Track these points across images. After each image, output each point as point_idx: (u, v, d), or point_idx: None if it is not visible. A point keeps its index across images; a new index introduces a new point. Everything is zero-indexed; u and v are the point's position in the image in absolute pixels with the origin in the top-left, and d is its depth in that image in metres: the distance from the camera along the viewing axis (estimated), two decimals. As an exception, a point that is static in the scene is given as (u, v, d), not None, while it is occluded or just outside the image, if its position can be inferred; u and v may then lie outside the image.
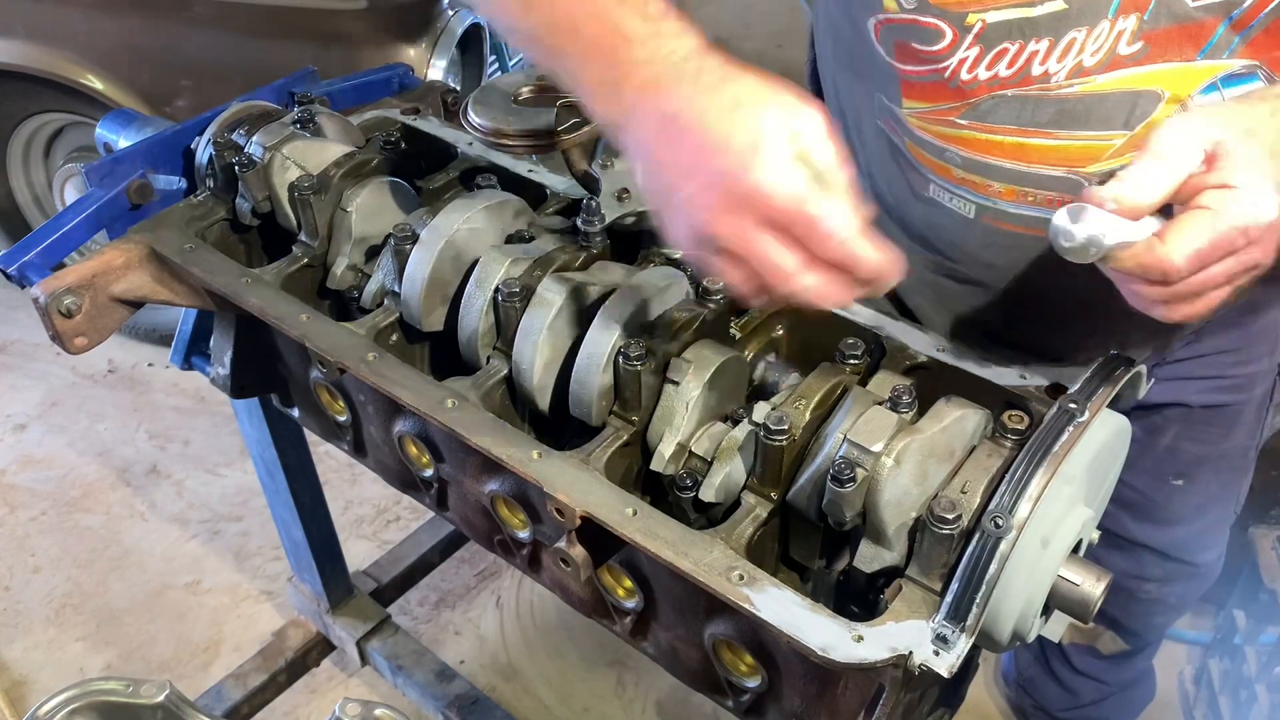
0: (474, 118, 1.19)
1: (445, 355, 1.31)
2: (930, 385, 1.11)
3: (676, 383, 1.11)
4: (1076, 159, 1.09)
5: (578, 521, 1.04)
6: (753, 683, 1.08)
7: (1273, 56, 1.04)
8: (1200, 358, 1.39)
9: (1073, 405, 0.99)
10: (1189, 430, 1.47)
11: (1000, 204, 1.15)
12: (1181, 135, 0.91)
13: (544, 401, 1.19)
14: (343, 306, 1.41)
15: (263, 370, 1.52)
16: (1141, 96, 1.05)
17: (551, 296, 1.15)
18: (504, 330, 1.20)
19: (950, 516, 0.93)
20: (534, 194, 1.40)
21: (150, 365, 3.18)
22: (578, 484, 1.05)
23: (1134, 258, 0.90)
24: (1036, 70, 1.06)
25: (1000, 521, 0.91)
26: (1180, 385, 1.40)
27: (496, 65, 2.81)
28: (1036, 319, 1.27)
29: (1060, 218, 0.91)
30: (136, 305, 1.40)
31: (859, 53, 1.19)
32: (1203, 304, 0.94)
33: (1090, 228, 0.90)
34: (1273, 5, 1.00)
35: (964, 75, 1.09)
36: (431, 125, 1.53)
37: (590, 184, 1.26)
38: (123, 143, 1.56)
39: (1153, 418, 1.44)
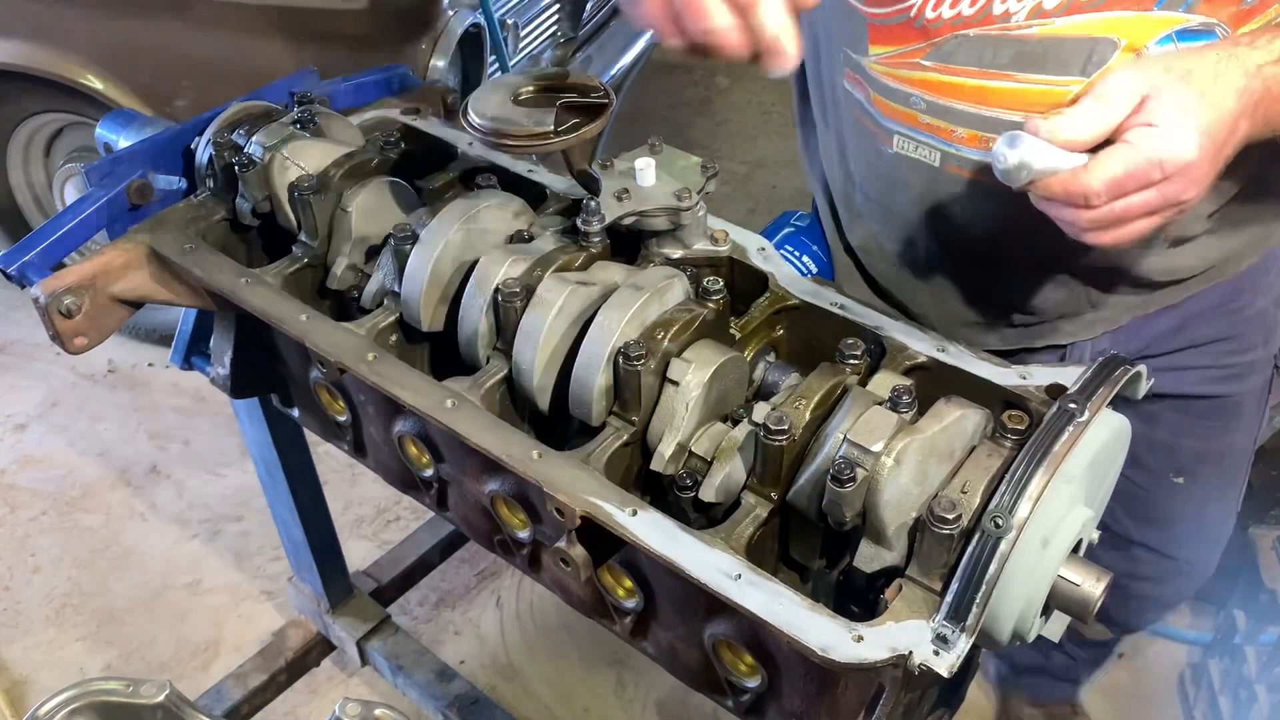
0: (474, 118, 1.19)
1: (445, 355, 1.31)
2: (930, 385, 1.11)
3: (676, 383, 1.11)
4: (1034, 104, 1.13)
5: (578, 521, 1.04)
6: (753, 683, 1.08)
7: (1230, 13, 1.08)
8: (1195, 347, 1.41)
9: (1073, 405, 0.99)
10: (1188, 424, 1.48)
11: (963, 150, 1.21)
12: (1125, 81, 0.99)
13: (544, 401, 1.19)
14: (343, 306, 1.41)
15: (263, 370, 1.52)
16: (1099, 43, 1.10)
17: (551, 296, 1.15)
18: (504, 330, 1.20)
19: (950, 516, 0.93)
20: (534, 194, 1.40)
21: (150, 365, 3.18)
22: (578, 484, 1.05)
23: (1060, 183, 1.00)
24: (998, 9, 1.12)
25: (1000, 521, 0.91)
26: (1177, 375, 1.41)
27: (496, 65, 2.81)
28: (1005, 272, 1.32)
29: (1000, 142, 1.01)
30: (136, 305, 1.40)
31: (827, 7, 1.22)
32: (1126, 231, 1.03)
33: (1024, 153, 0.99)
34: None
35: (929, 14, 1.15)
36: (431, 125, 1.53)
37: (590, 184, 1.26)
38: (123, 143, 1.56)
39: (1150, 407, 1.45)
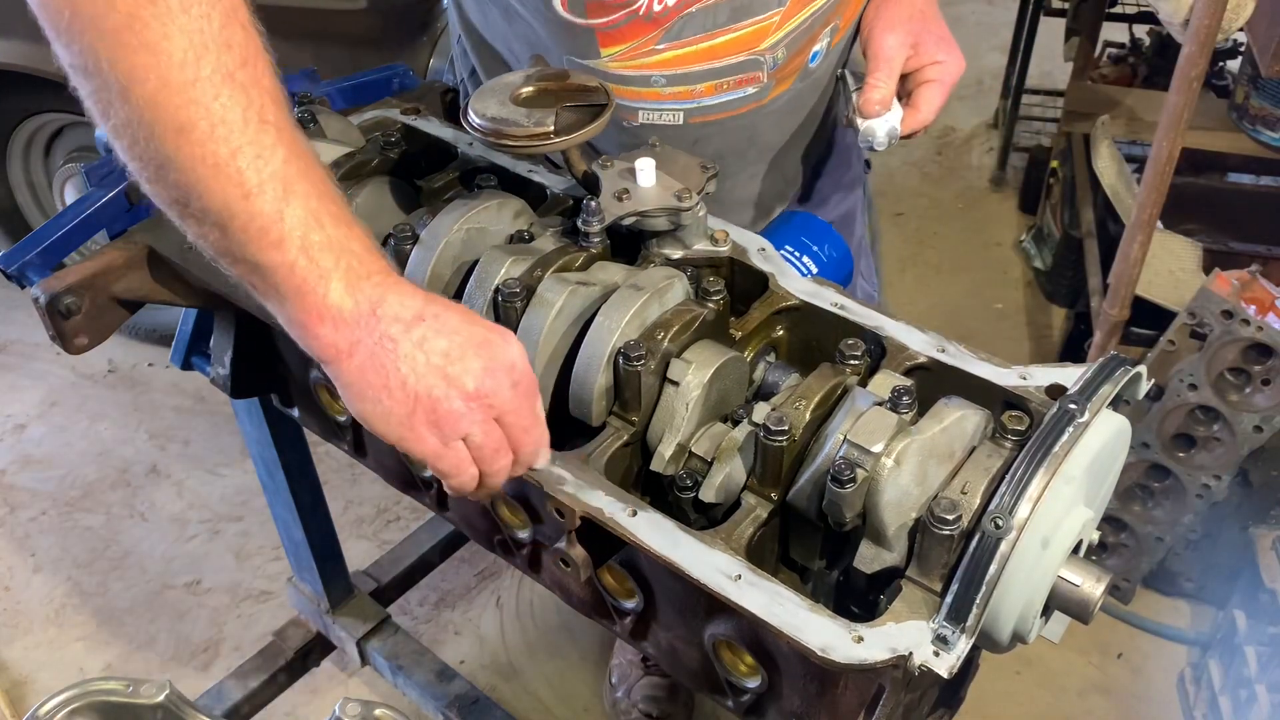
0: (474, 118, 1.19)
1: (445, 355, 1.30)
2: (930, 385, 1.11)
3: (676, 383, 1.11)
4: (752, 41, 1.34)
5: (578, 521, 1.04)
6: (753, 683, 1.08)
7: None
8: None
9: (1073, 405, 0.99)
10: None
11: (703, 101, 1.39)
12: (893, 43, 1.39)
13: (544, 402, 1.19)
14: (343, 306, 1.41)
15: (263, 370, 1.52)
16: None
17: (551, 296, 1.15)
18: (504, 330, 1.20)
19: (950, 517, 0.93)
20: (534, 194, 1.40)
21: (150, 365, 3.18)
22: (578, 484, 1.05)
23: (908, 129, 1.41)
24: None
25: (1000, 522, 0.91)
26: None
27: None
28: (745, 179, 1.55)
29: (865, 131, 1.39)
30: (136, 305, 1.40)
31: (541, 29, 1.34)
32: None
33: (882, 129, 1.39)
34: None
35: (656, 7, 1.28)
36: (431, 125, 1.53)
37: (590, 184, 1.26)
38: (123, 143, 1.56)
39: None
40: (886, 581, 1.02)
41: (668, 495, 1.13)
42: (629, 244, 1.28)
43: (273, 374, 1.52)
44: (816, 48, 1.43)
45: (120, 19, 0.84)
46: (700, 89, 1.37)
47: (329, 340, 0.93)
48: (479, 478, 1.00)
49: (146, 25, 0.84)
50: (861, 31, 1.45)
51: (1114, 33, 3.66)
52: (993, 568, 0.91)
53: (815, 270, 1.43)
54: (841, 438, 1.01)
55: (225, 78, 0.87)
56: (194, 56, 0.86)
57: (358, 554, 2.55)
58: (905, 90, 1.43)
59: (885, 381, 1.09)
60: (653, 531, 1.01)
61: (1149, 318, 2.40)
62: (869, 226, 1.87)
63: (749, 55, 1.36)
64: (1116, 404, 1.05)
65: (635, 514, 1.02)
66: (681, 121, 1.41)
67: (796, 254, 1.43)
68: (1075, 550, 1.00)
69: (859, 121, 1.40)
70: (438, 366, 0.94)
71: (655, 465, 1.11)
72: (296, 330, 0.94)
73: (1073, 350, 3.09)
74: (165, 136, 0.87)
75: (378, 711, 0.92)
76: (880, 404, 1.04)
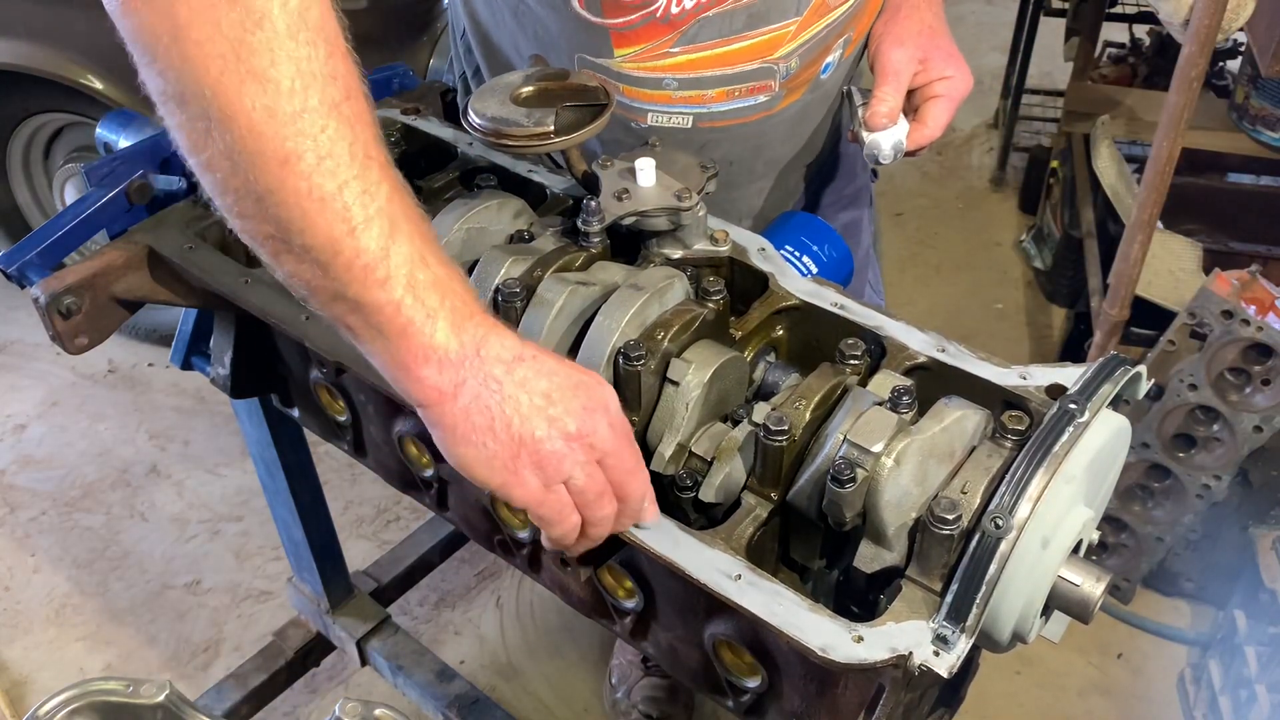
0: (474, 118, 1.19)
1: (445, 355, 1.30)
2: (930, 385, 1.11)
3: (676, 383, 1.11)
4: (766, 50, 1.35)
5: (578, 521, 1.04)
6: (753, 683, 1.08)
7: None
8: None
9: (1073, 405, 0.99)
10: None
11: (713, 107, 1.39)
12: (902, 58, 1.39)
13: (544, 401, 1.19)
14: (343, 306, 1.41)
15: (263, 370, 1.52)
16: None
17: (551, 296, 1.15)
18: (504, 330, 1.20)
19: (950, 517, 0.93)
20: (534, 194, 1.40)
21: (150, 365, 3.18)
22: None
23: (914, 144, 1.40)
24: None
25: (1000, 522, 0.91)
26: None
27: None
28: (752, 192, 1.55)
29: (870, 144, 1.38)
30: (136, 305, 1.40)
31: (554, 26, 1.34)
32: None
33: (888, 142, 1.38)
34: None
35: (674, 10, 1.28)
36: (431, 125, 1.53)
37: (590, 184, 1.26)
38: (123, 143, 1.56)
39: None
40: (886, 581, 1.02)
41: (668, 495, 1.13)
42: (629, 244, 1.28)
43: (273, 374, 1.52)
44: (829, 59, 1.43)
45: (226, 45, 0.80)
46: (711, 94, 1.37)
47: (433, 383, 0.89)
48: (580, 526, 0.97)
49: (254, 52, 0.81)
50: (870, 46, 1.45)
51: (1114, 33, 3.66)
52: (993, 567, 0.91)
53: (815, 270, 1.43)
54: (841, 437, 1.01)
55: (331, 109, 0.84)
56: (301, 86, 0.83)
57: (358, 554, 2.55)
58: (912, 105, 1.42)
59: (885, 381, 1.09)
60: (653, 531, 1.01)
61: (1149, 318, 2.40)
62: (873, 231, 1.86)
63: (762, 63, 1.36)
64: (1116, 404, 1.05)
65: (635, 514, 1.02)
66: (690, 125, 1.41)
67: (796, 254, 1.43)
68: (1075, 550, 1.00)
69: (864, 135, 1.39)
70: (540, 407, 0.91)
71: (655, 465, 1.11)
72: (397, 372, 0.91)
73: (1073, 350, 3.09)
74: (269, 168, 0.83)
75: (378, 711, 0.92)
76: (880, 404, 1.04)
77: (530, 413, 0.91)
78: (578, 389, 0.93)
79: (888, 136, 1.37)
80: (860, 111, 1.40)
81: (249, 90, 0.81)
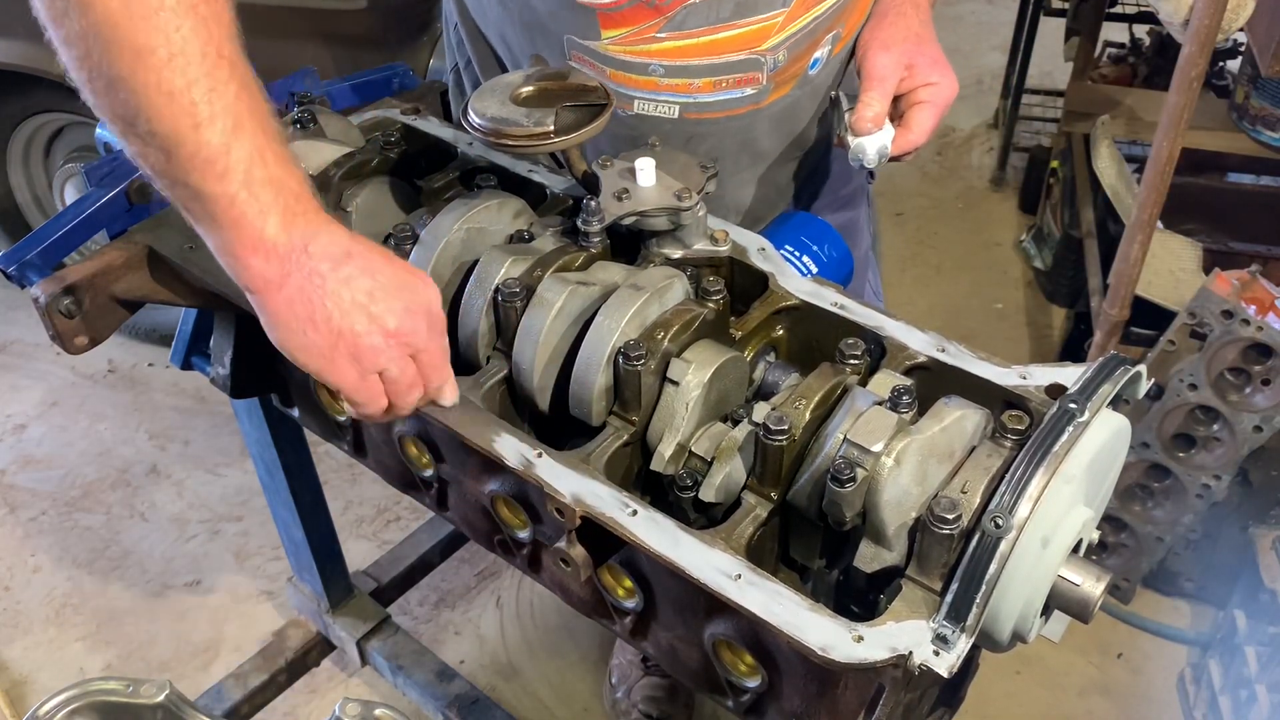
0: (474, 118, 1.19)
1: (445, 355, 1.30)
2: (930, 385, 1.11)
3: (676, 383, 1.11)
4: (754, 40, 1.35)
5: (578, 521, 1.04)
6: (753, 683, 1.08)
7: None
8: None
9: (1073, 405, 0.99)
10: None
11: (700, 97, 1.39)
12: (888, 63, 1.39)
13: (544, 401, 1.19)
14: (343, 306, 1.41)
15: (263, 370, 1.52)
16: None
17: (551, 296, 1.15)
18: (504, 330, 1.20)
19: (950, 516, 0.93)
20: (534, 194, 1.40)
21: (150, 365, 3.18)
22: (578, 484, 1.05)
23: (899, 150, 1.40)
24: None
25: (1000, 521, 0.91)
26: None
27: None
28: (738, 186, 1.55)
29: (855, 149, 1.38)
30: (136, 305, 1.40)
31: (541, 7, 1.34)
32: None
33: (873, 147, 1.37)
34: None
35: None
36: (431, 125, 1.53)
37: (590, 184, 1.26)
38: (123, 143, 1.56)
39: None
40: (886, 581, 1.02)
41: (668, 495, 1.13)
42: (629, 244, 1.28)
43: (273, 374, 1.52)
44: (818, 54, 1.43)
45: None
46: (698, 84, 1.38)
47: (259, 271, 0.97)
48: (388, 408, 1.06)
49: None
50: (857, 50, 1.46)
51: (1114, 33, 3.66)
52: (993, 567, 0.91)
53: (815, 270, 1.43)
54: (841, 437, 1.01)
55: (189, 10, 0.90)
56: None
57: (358, 554, 2.55)
58: (898, 111, 1.42)
59: (885, 381, 1.09)
60: (653, 531, 1.01)
61: (1149, 318, 2.40)
62: (871, 232, 1.86)
63: (750, 54, 1.36)
64: (1116, 404, 1.05)
65: (635, 513, 1.02)
66: (677, 115, 1.41)
67: (796, 254, 1.43)
68: (1075, 550, 1.00)
69: (850, 139, 1.40)
70: (361, 304, 0.99)
71: (655, 465, 1.12)
72: (227, 259, 0.98)
73: (1073, 350, 3.09)
74: (121, 56, 0.89)
75: (378, 711, 0.93)
76: (880, 404, 1.04)
77: (351, 308, 0.99)
78: (401, 289, 1.01)
79: (873, 141, 1.38)
80: (846, 116, 1.40)
81: None
